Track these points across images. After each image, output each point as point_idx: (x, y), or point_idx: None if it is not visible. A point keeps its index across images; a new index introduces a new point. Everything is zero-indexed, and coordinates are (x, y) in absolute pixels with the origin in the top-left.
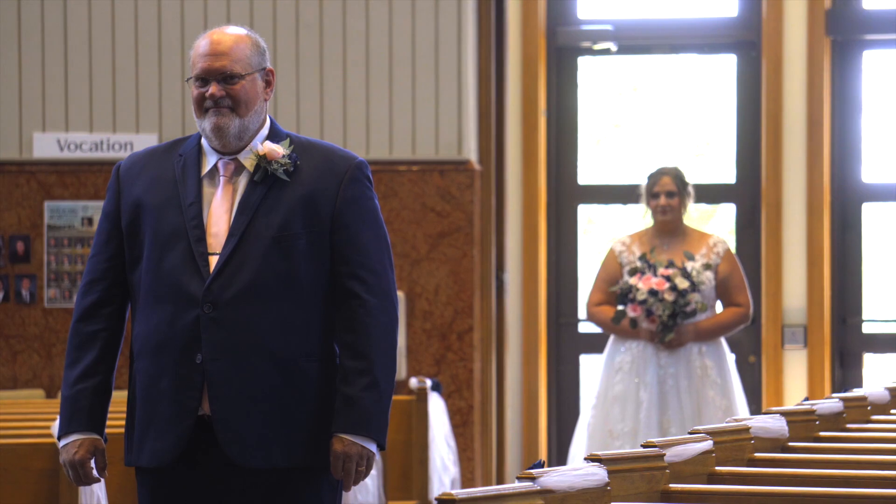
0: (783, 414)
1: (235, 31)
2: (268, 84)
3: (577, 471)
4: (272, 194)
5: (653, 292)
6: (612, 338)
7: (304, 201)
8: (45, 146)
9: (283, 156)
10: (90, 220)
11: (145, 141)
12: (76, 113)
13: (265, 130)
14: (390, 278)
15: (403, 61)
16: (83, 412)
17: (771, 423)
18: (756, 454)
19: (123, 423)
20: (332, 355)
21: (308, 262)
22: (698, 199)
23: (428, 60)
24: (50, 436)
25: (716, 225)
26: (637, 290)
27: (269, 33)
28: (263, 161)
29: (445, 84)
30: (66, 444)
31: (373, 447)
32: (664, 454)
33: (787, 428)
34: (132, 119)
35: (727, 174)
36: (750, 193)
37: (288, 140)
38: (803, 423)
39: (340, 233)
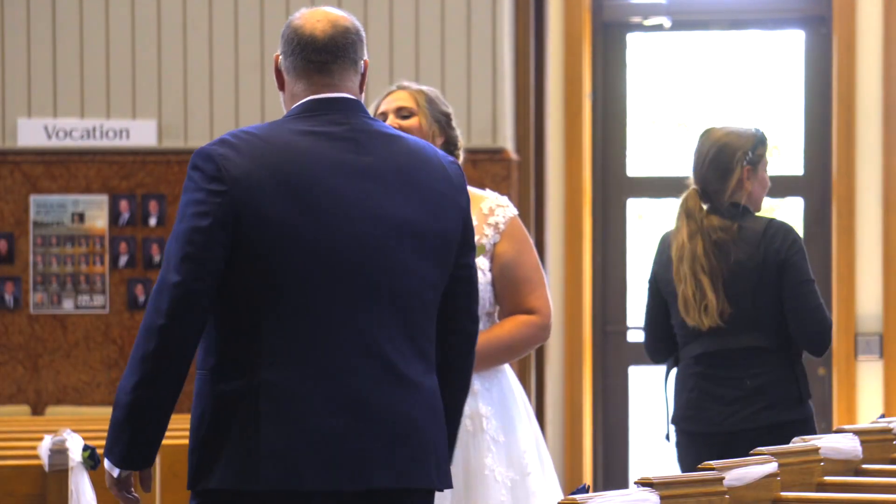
0: (856, 433)
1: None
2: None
3: (627, 496)
4: None
5: None
6: None
7: None
8: (31, 133)
9: None
10: (80, 217)
11: (143, 127)
12: (65, 96)
13: None
14: (167, 280)
15: (431, 37)
16: None
17: (843, 443)
18: (826, 478)
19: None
20: (226, 368)
21: None
22: None
23: (459, 35)
24: (36, 457)
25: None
26: None
27: (281, 10)
28: None
29: (478, 62)
30: None
31: (107, 462)
32: (723, 477)
33: (860, 448)
34: (128, 103)
35: (794, 165)
36: (819, 186)
37: None
38: (879, 444)
39: None
